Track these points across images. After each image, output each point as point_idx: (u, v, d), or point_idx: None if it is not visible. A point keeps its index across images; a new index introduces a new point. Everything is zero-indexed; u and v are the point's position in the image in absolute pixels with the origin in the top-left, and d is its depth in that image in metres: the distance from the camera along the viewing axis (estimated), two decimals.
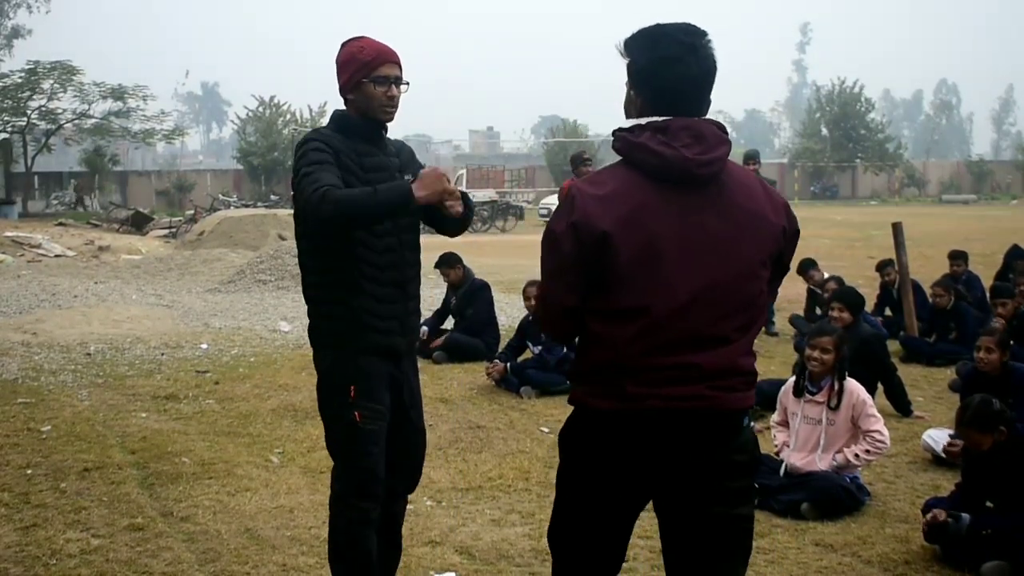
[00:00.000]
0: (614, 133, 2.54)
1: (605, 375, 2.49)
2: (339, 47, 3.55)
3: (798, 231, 2.66)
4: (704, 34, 2.51)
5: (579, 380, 2.58)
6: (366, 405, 3.48)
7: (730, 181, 2.52)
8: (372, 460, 3.51)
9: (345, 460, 3.54)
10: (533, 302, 7.90)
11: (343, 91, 3.54)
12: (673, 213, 2.45)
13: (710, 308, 2.46)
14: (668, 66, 2.47)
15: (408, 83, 3.55)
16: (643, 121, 2.49)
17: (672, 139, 2.44)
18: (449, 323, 9.90)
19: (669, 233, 2.44)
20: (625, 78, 2.58)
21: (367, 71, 3.46)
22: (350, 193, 3.21)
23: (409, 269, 3.58)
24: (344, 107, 3.57)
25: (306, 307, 3.63)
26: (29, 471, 5.71)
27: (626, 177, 2.47)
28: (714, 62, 2.51)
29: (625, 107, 2.60)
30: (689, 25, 2.53)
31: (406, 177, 3.58)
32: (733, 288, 2.49)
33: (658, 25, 2.53)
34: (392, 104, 3.51)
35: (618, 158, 2.56)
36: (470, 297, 9.59)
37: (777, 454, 5.54)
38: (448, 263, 9.76)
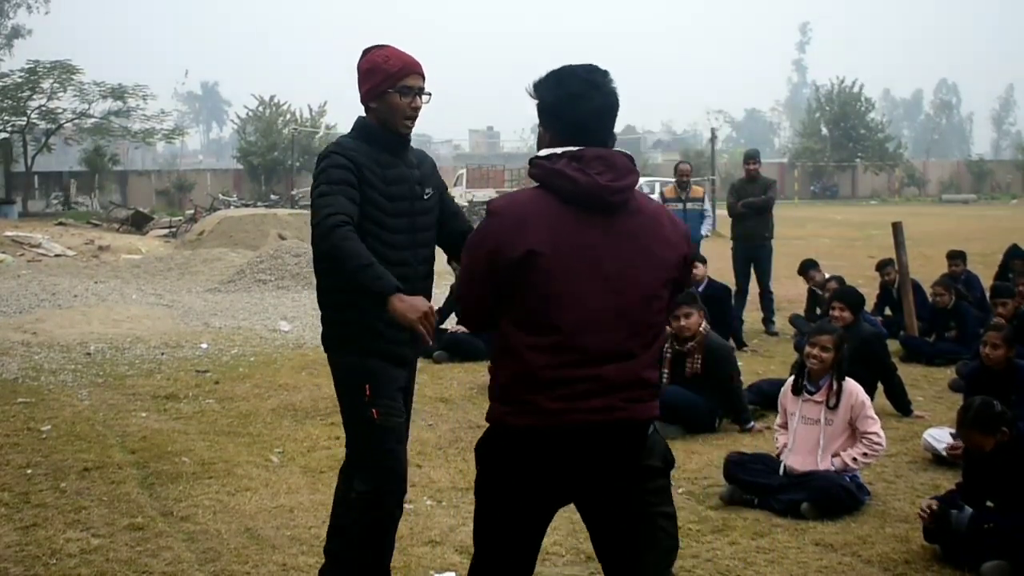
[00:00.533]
0: (530, 161, 2.70)
1: (521, 388, 2.62)
2: (361, 54, 3.56)
3: (694, 259, 2.88)
4: (606, 73, 2.69)
5: (496, 397, 2.72)
6: (382, 402, 3.51)
7: (637, 209, 2.68)
8: (394, 457, 3.54)
9: (367, 459, 3.56)
10: None
11: (365, 99, 3.55)
12: (585, 235, 2.60)
13: (617, 326, 2.62)
14: (572, 101, 2.65)
15: (430, 93, 3.57)
16: (559, 150, 2.64)
17: (587, 166, 2.60)
18: (450, 322, 9.88)
19: (581, 254, 2.59)
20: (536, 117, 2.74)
21: (393, 81, 3.48)
22: (350, 248, 3.25)
23: (420, 282, 3.62)
24: (365, 115, 3.58)
25: (319, 311, 3.67)
26: (29, 471, 5.71)
27: (542, 200, 2.62)
28: (616, 98, 2.68)
29: (538, 144, 2.77)
30: (592, 65, 2.71)
31: (426, 191, 3.61)
32: (638, 308, 2.65)
33: (564, 66, 2.71)
34: (415, 115, 3.55)
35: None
36: None
37: (778, 455, 5.54)
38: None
